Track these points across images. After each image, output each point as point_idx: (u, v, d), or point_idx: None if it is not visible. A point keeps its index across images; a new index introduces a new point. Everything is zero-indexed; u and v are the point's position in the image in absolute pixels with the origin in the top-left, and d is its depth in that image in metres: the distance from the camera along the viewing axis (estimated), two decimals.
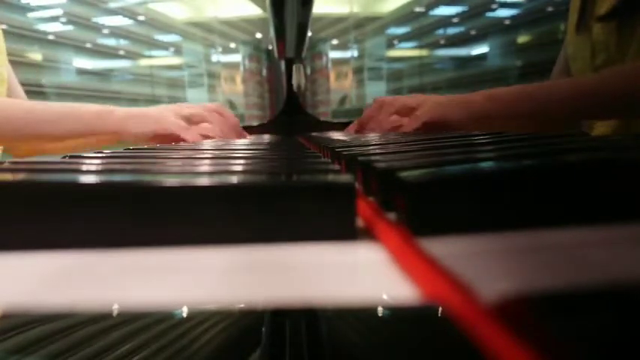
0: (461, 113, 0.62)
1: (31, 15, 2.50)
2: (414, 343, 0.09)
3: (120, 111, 0.65)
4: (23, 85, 0.84)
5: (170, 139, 0.66)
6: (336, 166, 0.24)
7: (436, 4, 3.05)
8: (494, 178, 0.16)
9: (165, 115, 0.66)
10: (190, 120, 0.70)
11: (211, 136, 0.72)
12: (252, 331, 0.10)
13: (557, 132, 0.39)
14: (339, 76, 3.51)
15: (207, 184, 0.16)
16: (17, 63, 0.82)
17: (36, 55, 2.52)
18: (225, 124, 0.75)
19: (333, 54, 3.48)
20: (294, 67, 1.07)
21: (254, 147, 0.46)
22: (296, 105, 1.09)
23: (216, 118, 0.74)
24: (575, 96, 0.58)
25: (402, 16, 3.26)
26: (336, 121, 1.12)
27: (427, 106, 0.65)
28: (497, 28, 2.71)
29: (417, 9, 3.14)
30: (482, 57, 2.89)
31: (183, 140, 0.66)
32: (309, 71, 3.27)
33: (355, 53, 3.50)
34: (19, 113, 0.63)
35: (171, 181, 0.17)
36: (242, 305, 0.11)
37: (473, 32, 2.87)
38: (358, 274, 0.13)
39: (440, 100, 0.66)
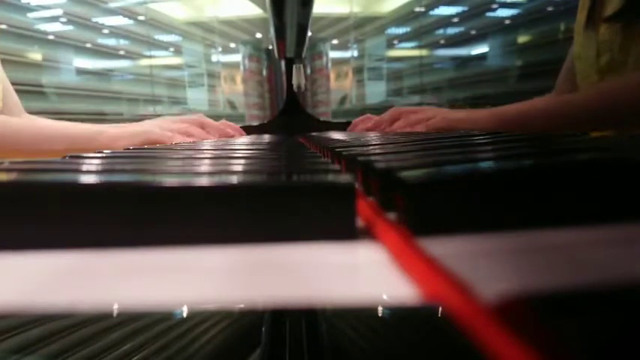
0: (467, 128, 0.70)
1: (30, 15, 2.50)
2: (414, 343, 0.09)
3: (110, 132, 0.70)
4: (24, 84, 0.84)
5: None
6: (336, 166, 0.24)
7: (436, 4, 3.04)
8: (494, 178, 0.16)
9: (147, 128, 0.72)
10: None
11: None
12: (252, 331, 0.10)
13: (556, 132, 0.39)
14: (339, 76, 3.51)
15: (208, 184, 0.16)
16: (17, 63, 0.83)
17: (36, 55, 2.52)
18: (206, 135, 0.81)
19: (333, 54, 3.48)
20: (294, 67, 1.07)
21: (254, 147, 0.46)
22: (296, 105, 1.09)
23: (198, 132, 0.79)
24: (574, 114, 0.62)
25: (402, 16, 3.26)
26: (336, 121, 1.12)
27: (438, 118, 0.73)
28: (498, 27, 2.71)
29: (417, 9, 3.13)
30: (482, 57, 2.89)
31: None
32: (309, 71, 3.27)
33: (355, 53, 3.50)
34: (18, 132, 0.66)
35: (171, 181, 0.17)
36: (242, 305, 0.11)
37: (473, 32, 2.87)
38: (358, 274, 0.13)
39: (450, 115, 0.74)
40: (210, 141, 0.69)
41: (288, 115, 1.09)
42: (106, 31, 3.00)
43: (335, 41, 3.45)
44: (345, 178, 0.18)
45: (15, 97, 0.83)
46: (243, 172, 0.24)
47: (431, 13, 3.11)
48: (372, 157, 0.24)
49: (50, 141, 0.67)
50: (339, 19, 3.37)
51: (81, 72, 2.84)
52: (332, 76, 3.47)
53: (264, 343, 0.09)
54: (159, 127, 0.74)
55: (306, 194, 0.16)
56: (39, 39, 2.52)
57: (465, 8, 2.87)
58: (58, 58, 2.68)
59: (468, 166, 0.20)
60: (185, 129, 0.77)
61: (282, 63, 1.08)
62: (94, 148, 0.68)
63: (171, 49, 3.38)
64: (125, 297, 0.12)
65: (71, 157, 0.31)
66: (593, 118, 0.59)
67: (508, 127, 0.66)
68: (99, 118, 2.57)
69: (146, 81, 3.14)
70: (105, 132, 0.70)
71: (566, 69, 0.82)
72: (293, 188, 0.17)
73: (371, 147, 0.37)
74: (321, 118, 1.17)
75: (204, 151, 0.41)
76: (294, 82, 1.07)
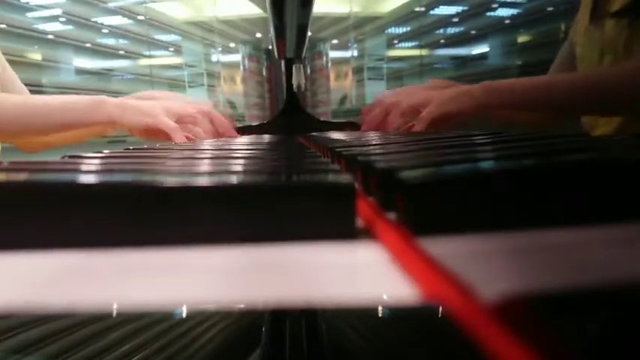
0: (462, 105, 0.65)
1: (30, 14, 2.50)
2: (414, 343, 0.09)
3: (113, 101, 0.66)
4: (23, 84, 0.83)
5: (159, 135, 0.68)
6: (336, 166, 0.24)
7: (436, 4, 3.05)
8: (494, 178, 0.16)
9: (157, 112, 0.68)
10: (180, 119, 0.71)
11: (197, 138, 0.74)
12: (252, 331, 0.10)
13: (557, 132, 0.39)
14: (339, 76, 3.52)
15: (208, 184, 0.16)
16: (17, 63, 0.82)
17: (35, 55, 2.52)
18: (213, 133, 0.77)
19: (333, 54, 3.49)
20: (294, 66, 1.07)
21: (254, 147, 0.46)
22: (296, 105, 1.09)
23: (206, 125, 0.75)
24: (570, 91, 0.59)
25: (401, 16, 3.26)
26: (336, 120, 1.12)
27: (432, 106, 0.67)
28: (497, 27, 2.71)
29: (417, 9, 3.14)
30: (482, 56, 2.89)
31: (171, 140, 0.67)
32: (309, 71, 3.27)
33: (355, 53, 3.50)
34: (14, 108, 0.63)
35: (171, 181, 0.17)
36: (242, 305, 0.11)
37: (473, 32, 2.87)
38: (358, 274, 0.13)
39: (444, 96, 0.68)
40: (210, 141, 0.69)
41: (288, 115, 1.09)
42: (105, 30, 3.00)
43: (335, 41, 3.46)
44: (345, 178, 0.18)
45: (18, 84, 0.80)
46: (244, 172, 0.24)
47: (431, 12, 3.11)
48: (372, 157, 0.24)
49: (52, 114, 0.63)
50: (338, 19, 3.38)
51: (80, 72, 2.85)
52: (332, 76, 3.47)
53: (264, 343, 0.09)
54: (166, 109, 0.69)
55: (306, 194, 0.16)
56: (38, 39, 2.52)
57: (465, 8, 2.87)
58: (58, 57, 2.68)
59: (467, 166, 0.20)
60: (192, 116, 0.73)
61: (282, 63, 1.08)
62: (96, 121, 0.65)
63: (171, 49, 3.38)
64: (125, 297, 0.12)
65: (71, 157, 0.31)
66: (605, 98, 0.57)
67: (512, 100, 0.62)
68: None
69: (146, 81, 3.14)
70: (106, 101, 0.65)
71: (555, 71, 0.82)
72: (293, 188, 0.17)
73: (371, 147, 0.37)
74: (321, 118, 1.16)
75: (204, 151, 0.41)
76: (294, 82, 1.07)
